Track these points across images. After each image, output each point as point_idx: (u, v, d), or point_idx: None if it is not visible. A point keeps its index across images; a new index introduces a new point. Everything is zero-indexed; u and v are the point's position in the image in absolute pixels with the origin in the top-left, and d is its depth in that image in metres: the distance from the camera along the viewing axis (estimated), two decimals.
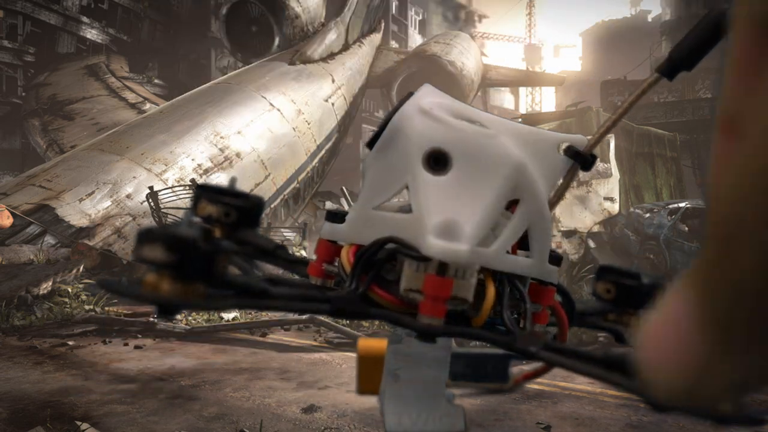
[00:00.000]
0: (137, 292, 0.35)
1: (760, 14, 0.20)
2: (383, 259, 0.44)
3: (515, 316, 0.46)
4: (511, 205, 0.45)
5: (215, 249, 0.36)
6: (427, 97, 0.47)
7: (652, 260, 10.88)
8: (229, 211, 0.45)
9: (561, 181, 0.48)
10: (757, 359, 0.17)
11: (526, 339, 0.44)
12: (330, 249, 0.49)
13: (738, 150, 0.19)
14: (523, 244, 0.46)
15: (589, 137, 0.48)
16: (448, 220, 0.43)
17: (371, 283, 0.44)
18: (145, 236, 0.35)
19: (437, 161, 0.44)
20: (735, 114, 0.22)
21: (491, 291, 0.45)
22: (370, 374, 0.56)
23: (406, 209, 0.45)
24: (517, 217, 0.45)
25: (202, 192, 0.45)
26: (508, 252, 0.45)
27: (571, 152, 0.47)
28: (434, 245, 0.41)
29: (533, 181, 0.45)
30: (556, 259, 0.48)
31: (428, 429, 0.52)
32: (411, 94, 0.47)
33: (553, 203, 0.47)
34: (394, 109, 0.46)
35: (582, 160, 0.47)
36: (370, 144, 0.47)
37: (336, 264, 0.48)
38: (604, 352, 0.42)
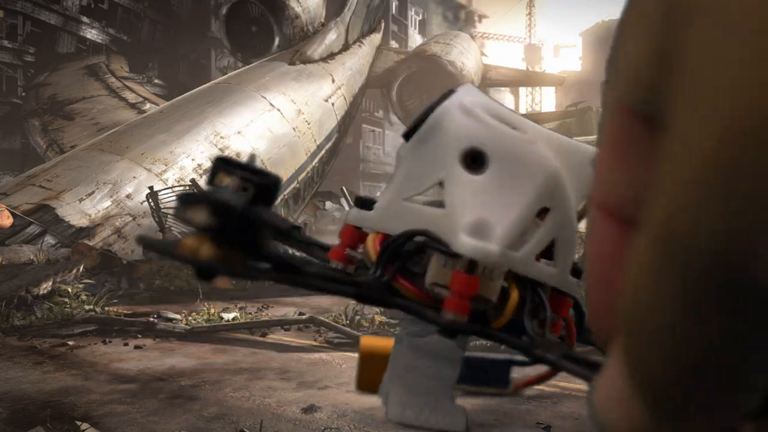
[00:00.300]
0: (176, 252, 0.35)
1: (629, 96, 0.20)
2: (411, 250, 0.45)
3: (533, 322, 0.46)
4: (540, 213, 0.45)
5: (260, 219, 0.36)
6: (469, 96, 0.47)
7: None
8: (247, 185, 0.45)
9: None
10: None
11: (546, 346, 0.44)
12: (355, 235, 0.49)
13: (635, 245, 0.18)
14: (544, 254, 0.47)
15: None
16: (481, 220, 0.43)
17: (396, 273, 0.44)
18: (189, 199, 0.35)
19: (474, 160, 0.45)
20: (615, 200, 0.22)
21: (515, 294, 0.45)
22: (372, 372, 0.56)
23: (437, 204, 0.45)
24: (546, 225, 0.45)
25: (222, 163, 0.45)
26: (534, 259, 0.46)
27: None
28: (466, 243, 0.42)
29: (566, 192, 0.46)
30: (577, 272, 0.49)
31: (430, 424, 0.52)
32: (452, 91, 0.48)
33: (580, 216, 0.48)
34: (434, 103, 0.47)
35: None
36: (407, 136, 0.47)
37: (359, 251, 0.48)
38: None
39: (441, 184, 0.44)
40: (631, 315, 0.18)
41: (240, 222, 0.35)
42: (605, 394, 0.21)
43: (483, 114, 0.45)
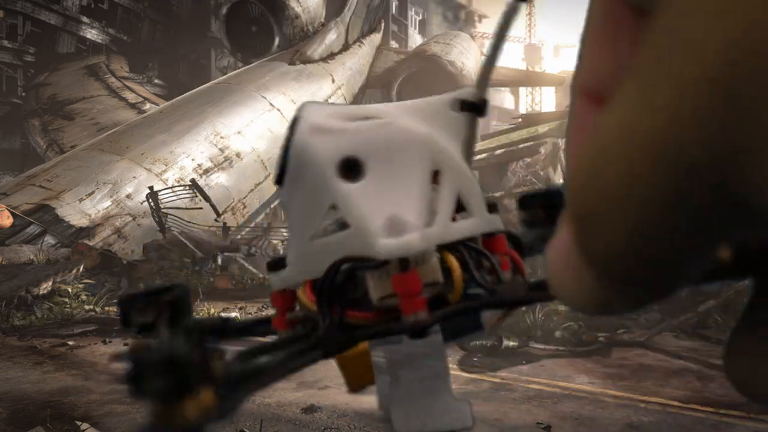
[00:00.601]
0: (155, 430, 0.34)
1: None
2: (343, 281, 0.44)
3: (481, 274, 0.46)
4: (434, 177, 0.46)
5: (207, 352, 0.35)
6: (314, 113, 0.47)
7: None
8: (162, 310, 0.44)
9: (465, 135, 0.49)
10: (630, 299, 0.19)
11: (510, 289, 0.45)
12: (286, 298, 0.48)
13: (601, 123, 0.18)
14: (457, 208, 0.47)
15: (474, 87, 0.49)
16: (389, 218, 0.43)
17: (343, 309, 0.44)
18: (134, 374, 0.33)
19: (351, 169, 0.45)
20: (598, 84, 0.22)
21: (454, 263, 0.45)
22: (356, 371, 0.56)
23: (341, 226, 0.45)
24: (445, 185, 0.46)
25: (128, 303, 0.45)
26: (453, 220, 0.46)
27: (463, 105, 0.48)
28: (386, 246, 0.42)
29: (445, 148, 0.46)
30: (493, 207, 0.49)
31: (438, 427, 0.52)
32: (296, 119, 0.47)
33: (467, 158, 0.49)
34: (286, 140, 0.46)
35: (474, 108, 0.48)
36: (278, 181, 0.47)
37: (297, 309, 0.48)
38: None
39: (334, 206, 0.44)
40: (583, 189, 0.18)
41: (193, 368, 0.34)
42: (557, 262, 0.21)
43: (335, 123, 0.45)
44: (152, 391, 0.33)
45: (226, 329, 0.49)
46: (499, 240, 0.49)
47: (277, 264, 0.47)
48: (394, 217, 0.42)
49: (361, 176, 0.44)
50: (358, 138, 0.44)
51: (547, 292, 0.42)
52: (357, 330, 0.43)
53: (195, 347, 0.34)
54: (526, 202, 0.53)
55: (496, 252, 0.48)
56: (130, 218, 14.02)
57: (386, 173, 0.44)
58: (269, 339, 0.53)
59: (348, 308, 0.44)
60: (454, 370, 5.60)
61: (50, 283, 9.04)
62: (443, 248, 0.45)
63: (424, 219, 0.43)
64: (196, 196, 14.62)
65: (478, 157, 13.73)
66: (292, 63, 20.65)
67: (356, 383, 0.56)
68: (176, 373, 0.33)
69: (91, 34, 28.00)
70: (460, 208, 0.48)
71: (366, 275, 0.43)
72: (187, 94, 19.52)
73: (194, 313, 0.44)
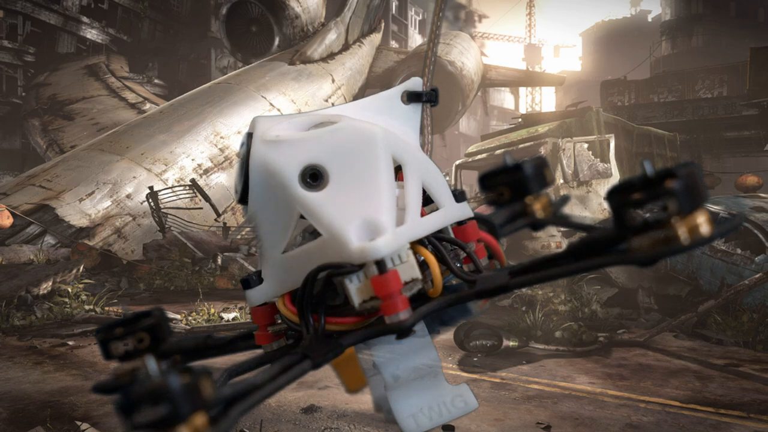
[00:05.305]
0: None
1: None
2: (322, 289, 0.44)
3: (459, 265, 0.46)
4: (398, 173, 0.45)
5: (194, 378, 0.34)
6: (266, 127, 0.46)
7: None
8: (141, 336, 0.44)
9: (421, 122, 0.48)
10: None
11: (491, 278, 0.44)
12: (266, 312, 0.48)
13: None
14: (425, 201, 0.46)
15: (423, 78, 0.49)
16: (360, 221, 0.43)
17: (325, 318, 0.44)
18: (126, 406, 0.33)
19: (314, 177, 0.44)
20: None
21: (430, 257, 0.45)
22: (349, 373, 0.56)
23: (311, 235, 0.44)
24: (409, 180, 0.45)
25: (105, 334, 0.44)
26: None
27: (414, 96, 0.48)
28: (360, 249, 0.41)
29: (402, 142, 0.46)
30: (460, 195, 0.49)
31: (446, 418, 0.52)
32: (249, 135, 0.47)
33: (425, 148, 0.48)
34: (243, 158, 0.46)
35: (422, 98, 0.48)
36: (242, 200, 0.46)
37: (278, 321, 0.47)
38: (566, 248, 0.41)
39: (302, 216, 0.43)
40: None
41: (183, 395, 0.33)
42: None
43: (290, 134, 0.44)
44: (144, 422, 0.33)
45: (209, 347, 0.49)
46: (471, 227, 0.48)
47: (249, 281, 0.47)
48: (365, 219, 0.41)
49: (325, 183, 0.43)
50: (315, 146, 0.43)
51: (531, 277, 0.41)
52: (342, 337, 0.43)
53: (182, 373, 0.34)
54: (487, 182, 0.52)
55: (469, 239, 0.48)
56: (130, 218, 14.02)
57: (350, 177, 0.43)
58: (255, 353, 0.52)
59: (330, 316, 0.43)
60: (454, 370, 5.60)
61: (50, 283, 9.03)
62: (417, 243, 0.44)
63: (394, 217, 0.42)
64: (196, 196, 14.61)
65: (478, 157, 13.69)
66: (292, 63, 20.65)
67: (352, 384, 0.56)
68: (166, 403, 0.33)
69: (91, 34, 27.99)
70: (428, 200, 0.47)
71: (344, 281, 0.42)
72: (187, 94, 19.52)
73: (184, 322, 0.43)
